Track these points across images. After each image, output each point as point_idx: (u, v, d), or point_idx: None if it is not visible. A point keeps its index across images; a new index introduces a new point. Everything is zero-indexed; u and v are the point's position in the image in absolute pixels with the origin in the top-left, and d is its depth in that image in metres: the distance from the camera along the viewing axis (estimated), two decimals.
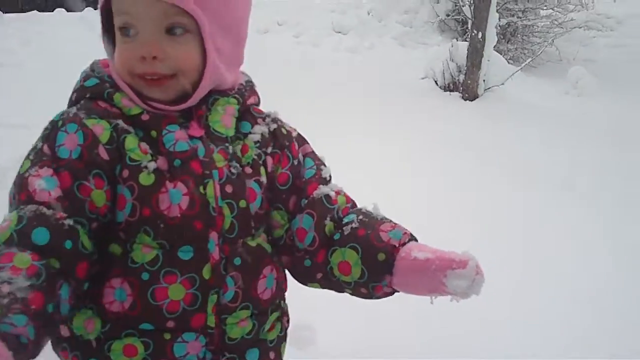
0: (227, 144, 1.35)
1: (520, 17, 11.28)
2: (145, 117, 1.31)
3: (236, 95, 1.40)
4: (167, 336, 1.27)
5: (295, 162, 1.45)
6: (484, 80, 8.47)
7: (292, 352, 1.72)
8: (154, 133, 1.31)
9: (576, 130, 7.44)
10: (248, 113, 1.44)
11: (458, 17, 11.48)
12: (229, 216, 1.31)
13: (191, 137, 1.32)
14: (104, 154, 1.26)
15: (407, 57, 10.26)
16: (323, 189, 1.43)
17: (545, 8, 11.39)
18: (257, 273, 1.36)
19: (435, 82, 8.73)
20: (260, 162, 1.39)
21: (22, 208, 1.17)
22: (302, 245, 1.40)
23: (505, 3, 10.68)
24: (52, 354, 1.35)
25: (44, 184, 1.20)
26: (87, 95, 1.34)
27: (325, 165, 1.49)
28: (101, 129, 1.27)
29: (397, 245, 1.32)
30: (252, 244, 1.36)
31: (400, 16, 11.77)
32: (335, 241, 1.38)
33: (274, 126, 1.45)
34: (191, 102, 1.33)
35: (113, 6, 1.31)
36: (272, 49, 9.18)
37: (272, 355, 1.43)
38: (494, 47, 8.83)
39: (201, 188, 1.29)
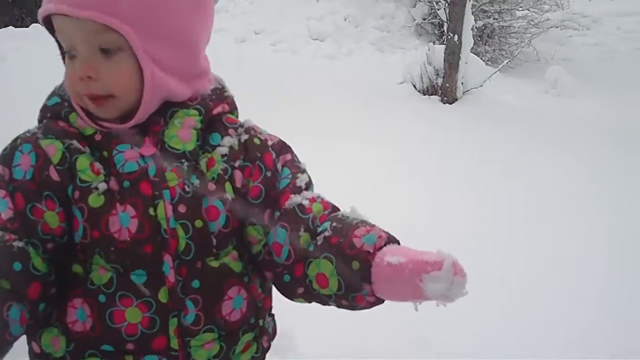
0: (182, 160, 1.29)
1: (497, 19, 11.33)
2: (98, 137, 1.28)
3: (198, 106, 1.33)
4: (129, 358, 1.26)
5: (269, 174, 1.36)
6: (462, 83, 8.45)
7: None
8: (105, 153, 1.28)
9: (557, 129, 7.47)
10: (219, 123, 1.37)
11: (434, 20, 11.51)
12: (183, 237, 1.26)
13: (142, 156, 1.27)
14: (54, 175, 1.25)
15: (385, 62, 10.26)
16: (295, 199, 1.33)
17: (521, 9, 11.45)
18: (220, 295, 1.31)
19: (414, 86, 8.72)
20: (226, 177, 1.32)
21: None
22: (280, 260, 1.31)
23: (481, 5, 10.71)
24: None
25: None
26: (48, 115, 1.33)
27: (302, 173, 1.40)
28: (54, 150, 1.26)
29: (371, 251, 1.19)
30: (214, 264, 1.30)
31: (376, 21, 11.77)
32: (310, 252, 1.27)
33: (245, 137, 1.38)
34: (136, 120, 1.27)
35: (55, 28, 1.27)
36: (249, 58, 9.13)
37: None
38: (471, 49, 8.82)
39: (151, 210, 1.24)
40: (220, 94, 1.40)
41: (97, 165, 1.26)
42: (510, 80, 9.94)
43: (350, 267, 1.20)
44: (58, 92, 1.34)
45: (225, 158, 1.33)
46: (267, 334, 1.44)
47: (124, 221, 1.23)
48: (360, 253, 1.19)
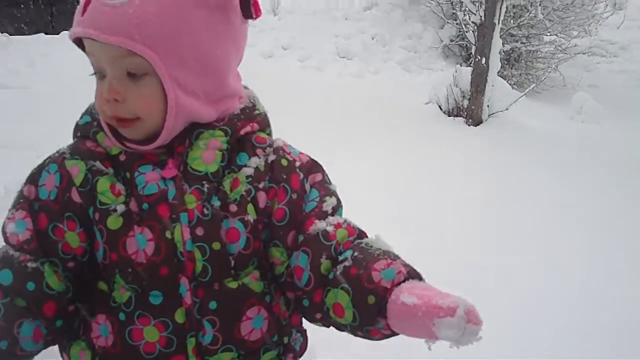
0: (204, 182, 1.29)
1: (524, 43, 11.31)
2: (122, 157, 1.31)
3: (224, 127, 1.33)
4: None
5: (294, 196, 1.34)
6: (488, 106, 8.47)
7: None
8: (128, 174, 1.30)
9: (580, 156, 7.45)
10: (247, 143, 1.37)
11: (462, 42, 11.54)
12: (200, 260, 1.27)
13: (163, 179, 1.29)
14: (76, 197, 1.28)
15: (411, 82, 10.28)
16: (319, 225, 1.31)
17: (549, 34, 11.42)
18: (238, 316, 1.31)
19: (440, 107, 8.74)
20: (249, 198, 1.31)
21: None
22: (300, 284, 1.30)
23: (509, 29, 10.71)
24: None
25: (14, 227, 1.27)
26: (79, 134, 1.37)
27: (331, 196, 1.37)
28: (77, 171, 1.30)
29: (388, 287, 1.16)
30: (233, 285, 1.31)
31: (404, 41, 11.82)
32: (329, 281, 1.26)
33: (272, 157, 1.37)
34: (159, 142, 1.28)
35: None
36: (276, 74, 9.20)
37: None
38: (498, 72, 8.83)
39: (168, 233, 1.26)
40: (250, 113, 1.39)
41: (119, 186, 1.28)
42: (536, 104, 9.91)
43: (366, 301, 1.18)
44: (90, 111, 1.37)
45: (250, 179, 1.33)
46: (292, 352, 1.44)
47: (140, 243, 1.25)
48: (377, 288, 1.17)
